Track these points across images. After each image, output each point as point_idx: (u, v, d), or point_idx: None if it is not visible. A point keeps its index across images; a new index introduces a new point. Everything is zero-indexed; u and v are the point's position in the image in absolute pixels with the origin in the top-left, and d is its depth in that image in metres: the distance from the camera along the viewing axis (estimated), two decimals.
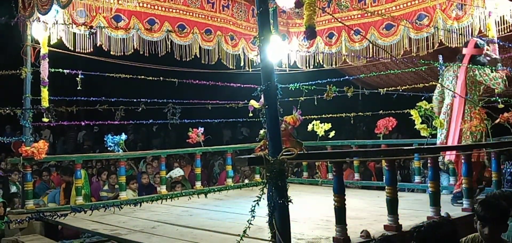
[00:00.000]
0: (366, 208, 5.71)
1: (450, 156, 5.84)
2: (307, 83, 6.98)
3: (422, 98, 6.43)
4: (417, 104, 6.32)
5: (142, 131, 15.21)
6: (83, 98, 6.48)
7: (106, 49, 6.59)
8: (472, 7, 6.14)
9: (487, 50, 5.91)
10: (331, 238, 4.03)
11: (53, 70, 6.25)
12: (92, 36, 6.36)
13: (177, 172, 8.76)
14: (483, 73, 5.67)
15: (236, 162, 8.00)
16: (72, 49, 6.32)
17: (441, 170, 6.92)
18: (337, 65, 8.07)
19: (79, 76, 6.22)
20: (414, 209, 5.32)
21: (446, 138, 5.92)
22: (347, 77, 7.89)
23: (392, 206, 4.36)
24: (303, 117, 7.32)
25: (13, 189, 8.13)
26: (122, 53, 6.69)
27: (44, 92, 6.17)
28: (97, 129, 11.67)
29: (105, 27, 6.46)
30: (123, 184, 6.92)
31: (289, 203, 3.48)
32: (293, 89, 6.78)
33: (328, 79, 6.78)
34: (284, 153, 3.48)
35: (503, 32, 6.18)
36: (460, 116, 5.79)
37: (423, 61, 6.38)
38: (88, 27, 6.23)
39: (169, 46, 7.12)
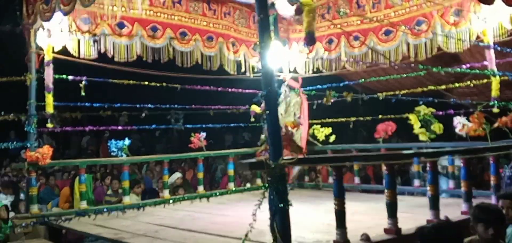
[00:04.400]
0: (367, 211, 5.76)
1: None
2: (307, 88, 7.05)
3: (420, 102, 6.48)
4: (416, 108, 6.39)
5: (145, 136, 15.27)
6: (87, 104, 6.55)
7: (110, 56, 6.66)
8: (469, 13, 6.20)
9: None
10: (331, 242, 4.08)
11: (57, 76, 6.31)
12: (96, 43, 6.44)
13: (174, 177, 8.81)
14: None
15: (237, 166, 8.06)
16: (76, 55, 6.39)
17: (441, 173, 6.99)
18: (337, 71, 8.13)
19: (83, 83, 6.29)
20: (414, 213, 5.36)
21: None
22: (347, 82, 7.94)
23: (392, 209, 4.41)
24: None
25: (21, 196, 8.21)
26: (125, 60, 6.76)
27: (49, 98, 6.22)
28: (108, 134, 11.79)
29: (109, 34, 6.53)
30: (127, 188, 6.98)
31: (289, 207, 3.55)
32: None
33: (328, 84, 6.85)
34: (284, 158, 3.55)
35: (500, 38, 6.24)
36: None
37: (421, 66, 6.45)
38: (91, 34, 6.31)
39: (172, 53, 7.20)
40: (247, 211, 3.71)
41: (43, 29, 6.12)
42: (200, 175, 7.85)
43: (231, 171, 8.13)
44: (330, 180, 7.68)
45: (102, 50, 6.58)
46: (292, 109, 7.44)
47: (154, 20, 7.05)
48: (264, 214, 3.58)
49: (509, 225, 3.74)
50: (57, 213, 6.41)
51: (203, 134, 7.76)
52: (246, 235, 3.62)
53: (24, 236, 5.94)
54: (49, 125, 6.15)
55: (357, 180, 7.82)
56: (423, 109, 5.99)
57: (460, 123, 6.12)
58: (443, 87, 7.19)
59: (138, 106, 6.68)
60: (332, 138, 7.90)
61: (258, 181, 8.41)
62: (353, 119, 7.83)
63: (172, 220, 5.89)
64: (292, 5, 6.01)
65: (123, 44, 6.73)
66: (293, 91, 7.61)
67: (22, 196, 8.08)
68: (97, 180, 8.92)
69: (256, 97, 3.95)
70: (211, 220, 5.82)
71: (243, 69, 8.08)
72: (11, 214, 6.74)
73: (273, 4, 5.78)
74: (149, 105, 6.72)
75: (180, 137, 11.16)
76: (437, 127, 5.96)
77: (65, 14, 5.74)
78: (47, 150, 6.17)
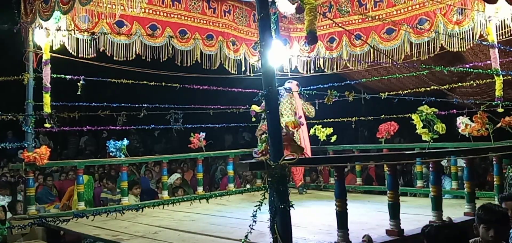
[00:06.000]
0: (368, 212, 5.71)
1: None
2: (308, 88, 6.98)
3: (423, 102, 6.42)
4: (418, 108, 6.31)
5: (144, 136, 15.21)
6: (85, 103, 6.50)
7: (109, 55, 6.61)
8: (472, 12, 6.15)
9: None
10: None
11: (55, 75, 6.27)
12: (95, 42, 6.39)
13: (173, 177, 8.77)
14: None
15: (237, 167, 8.00)
16: (74, 54, 6.34)
17: (444, 174, 6.92)
18: (339, 70, 8.08)
19: (81, 82, 6.24)
20: (416, 214, 5.31)
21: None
22: (348, 81, 7.89)
23: (394, 210, 4.35)
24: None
25: (19, 196, 8.14)
26: (124, 59, 6.72)
27: (46, 98, 6.19)
28: (106, 134, 11.76)
29: (108, 33, 6.49)
30: (125, 189, 6.92)
31: (290, 208, 3.49)
32: None
33: (330, 84, 6.79)
34: (285, 158, 3.49)
35: (504, 37, 6.19)
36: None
37: (424, 66, 6.39)
38: (90, 32, 6.26)
39: (171, 52, 7.15)
40: (247, 212, 3.65)
41: (41, 27, 6.07)
42: (200, 175, 7.80)
43: (231, 172, 8.07)
44: (332, 180, 7.63)
45: (101, 49, 6.53)
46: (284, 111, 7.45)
47: (153, 19, 7.02)
48: (264, 215, 3.52)
49: None
50: (55, 214, 6.35)
51: (202, 134, 7.71)
52: (246, 237, 3.57)
53: (21, 237, 5.89)
54: (47, 125, 6.10)
55: (359, 180, 7.76)
56: (425, 109, 5.91)
57: (463, 123, 6.07)
58: (446, 86, 7.13)
59: (137, 105, 6.62)
60: (334, 138, 7.84)
61: (258, 182, 8.36)
62: (354, 119, 7.78)
63: (171, 221, 5.84)
64: (293, 3, 5.95)
65: (122, 43, 6.69)
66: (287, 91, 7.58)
67: (19, 197, 8.01)
68: (95, 181, 8.87)
69: (256, 97, 3.88)
70: (211, 221, 5.77)
71: (243, 68, 8.04)
72: (8, 215, 6.68)
73: (274, 3, 5.72)
74: (148, 105, 6.66)
75: (180, 137, 11.12)
76: (440, 127, 5.88)
77: (64, 13, 5.72)
78: (44, 150, 6.12)
